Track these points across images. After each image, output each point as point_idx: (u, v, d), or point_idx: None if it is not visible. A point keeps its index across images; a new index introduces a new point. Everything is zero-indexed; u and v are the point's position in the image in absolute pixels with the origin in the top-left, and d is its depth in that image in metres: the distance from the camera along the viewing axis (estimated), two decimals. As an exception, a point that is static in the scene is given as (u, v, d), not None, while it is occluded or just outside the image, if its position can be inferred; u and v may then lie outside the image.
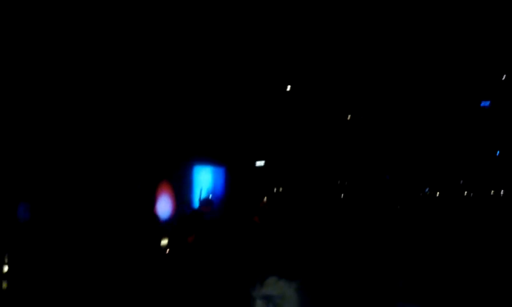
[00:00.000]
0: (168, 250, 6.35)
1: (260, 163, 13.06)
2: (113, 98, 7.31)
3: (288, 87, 13.25)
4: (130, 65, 7.50)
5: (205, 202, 6.40)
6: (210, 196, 6.78)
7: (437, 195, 21.19)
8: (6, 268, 5.23)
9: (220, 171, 9.87)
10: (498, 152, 20.32)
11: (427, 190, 21.02)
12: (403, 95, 17.28)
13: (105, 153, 6.99)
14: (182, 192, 8.12)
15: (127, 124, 7.48)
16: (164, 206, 7.18)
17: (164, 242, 6.92)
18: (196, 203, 7.69)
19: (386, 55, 14.66)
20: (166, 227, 6.84)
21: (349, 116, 17.42)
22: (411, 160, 20.21)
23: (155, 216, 5.70)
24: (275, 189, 15.21)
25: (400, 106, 17.86)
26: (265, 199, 10.45)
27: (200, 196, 6.64)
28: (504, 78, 17.49)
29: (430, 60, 15.54)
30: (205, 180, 8.88)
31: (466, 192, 21.83)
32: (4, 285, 5.19)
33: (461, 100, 18.19)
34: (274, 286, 1.30)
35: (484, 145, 20.09)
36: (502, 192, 21.12)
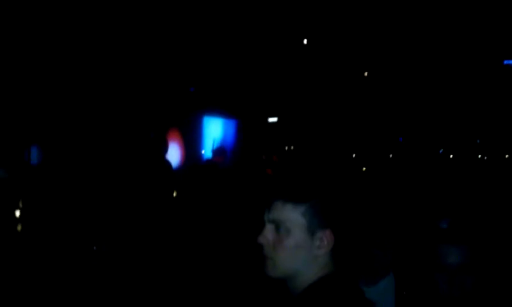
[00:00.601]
0: (180, 200, 6.33)
1: (272, 119, 12.91)
2: (127, 50, 7.13)
3: (305, 41, 12.88)
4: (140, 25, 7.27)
5: (218, 152, 6.31)
6: (223, 146, 6.69)
7: (451, 156, 20.95)
8: (18, 213, 5.25)
9: (231, 123, 9.78)
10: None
11: (441, 151, 20.74)
12: (419, 56, 16.77)
13: (118, 100, 6.88)
14: (192, 142, 8.05)
15: (139, 75, 7.33)
16: (175, 155, 7.13)
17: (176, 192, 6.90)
18: (207, 153, 7.61)
19: (401, 22, 14.10)
20: (178, 176, 6.80)
21: (366, 73, 17.02)
22: (425, 120, 19.89)
23: (168, 164, 5.62)
24: (286, 147, 15.12)
25: (416, 66, 17.37)
26: (276, 156, 10.34)
27: (213, 146, 6.55)
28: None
29: (447, 24, 14.92)
30: (216, 132, 8.79)
31: (480, 155, 21.54)
32: (19, 228, 5.22)
33: (481, 59, 17.56)
34: (281, 210, 1.28)
35: (501, 108, 19.59)
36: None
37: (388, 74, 17.69)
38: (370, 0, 12.85)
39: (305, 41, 13.17)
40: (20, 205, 5.24)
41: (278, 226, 1.28)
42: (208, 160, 6.36)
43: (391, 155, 18.65)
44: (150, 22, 7.43)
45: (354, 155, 17.71)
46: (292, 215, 1.27)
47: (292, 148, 15.31)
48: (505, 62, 17.56)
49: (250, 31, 10.20)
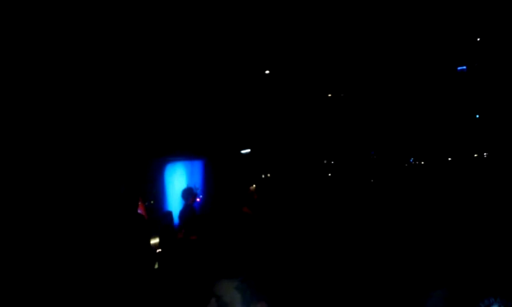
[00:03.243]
0: (159, 248, 6.15)
1: (245, 151, 12.86)
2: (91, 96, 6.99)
3: (267, 72, 13.03)
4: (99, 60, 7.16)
5: (186, 194, 6.19)
6: (193, 187, 6.56)
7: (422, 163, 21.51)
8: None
9: (197, 164, 9.46)
10: (477, 115, 20.63)
11: (411, 160, 21.25)
12: (381, 67, 17.29)
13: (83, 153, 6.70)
14: (160, 189, 7.78)
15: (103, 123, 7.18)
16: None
17: (155, 241, 6.71)
18: (176, 199, 7.40)
19: (363, 29, 14.53)
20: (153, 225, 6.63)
21: (330, 95, 17.36)
22: (393, 132, 20.39)
23: (141, 216, 5.47)
24: (263, 175, 15.07)
25: (375, 79, 17.89)
26: (253, 186, 10.25)
27: (183, 190, 6.42)
28: (478, 40, 17.63)
29: (405, 31, 15.49)
30: (182, 176, 8.49)
31: (450, 158, 22.22)
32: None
33: (437, 67, 18.28)
34: (220, 287, 1.44)
35: (464, 110, 20.34)
36: (485, 155, 21.61)
37: (354, 91, 18.15)
38: (327, 26, 13.20)
39: (267, 72, 13.34)
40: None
41: (218, 300, 1.39)
42: (184, 206, 6.24)
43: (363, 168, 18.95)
44: (107, 66, 7.34)
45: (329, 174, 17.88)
46: (230, 290, 1.37)
47: (268, 175, 15.28)
48: (459, 68, 18.32)
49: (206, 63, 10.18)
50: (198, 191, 6.32)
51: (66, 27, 6.52)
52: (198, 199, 6.37)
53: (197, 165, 8.98)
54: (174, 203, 7.13)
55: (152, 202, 7.66)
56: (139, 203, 5.17)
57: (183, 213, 6.07)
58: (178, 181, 7.73)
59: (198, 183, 8.19)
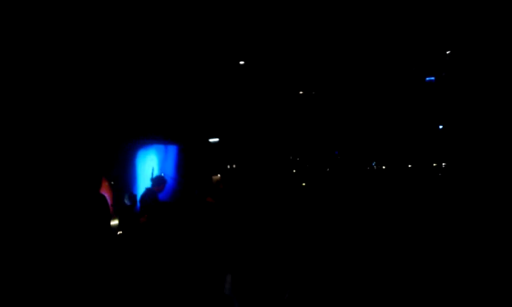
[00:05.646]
0: (119, 232, 6.10)
1: (214, 140, 12.87)
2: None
3: (242, 62, 13.05)
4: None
5: (157, 181, 6.17)
6: (162, 174, 6.53)
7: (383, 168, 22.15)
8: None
9: (171, 149, 9.52)
10: (440, 126, 21.42)
11: (373, 164, 21.83)
12: (349, 71, 17.62)
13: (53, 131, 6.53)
14: (127, 174, 7.74)
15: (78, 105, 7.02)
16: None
17: (114, 222, 6.65)
18: (144, 183, 7.38)
19: (331, 32, 14.73)
20: (116, 208, 6.56)
21: (301, 92, 17.55)
22: (358, 135, 20.89)
23: (103, 198, 5.42)
24: (228, 166, 15.13)
25: (347, 82, 18.23)
26: (219, 176, 10.31)
27: (152, 175, 6.38)
28: (448, 53, 18.23)
29: (373, 37, 15.83)
30: (154, 160, 8.53)
31: (410, 165, 23.01)
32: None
33: (405, 76, 18.84)
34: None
35: (427, 119, 21.07)
36: (443, 165, 22.49)
37: (324, 91, 18.41)
38: (303, 21, 13.30)
39: (242, 62, 13.36)
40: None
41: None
42: (147, 190, 6.20)
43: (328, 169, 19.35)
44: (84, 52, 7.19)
45: (294, 171, 18.13)
46: (226, 286, 1.45)
47: (234, 166, 15.35)
48: (427, 79, 18.91)
49: (182, 51, 10.14)
50: (166, 180, 6.28)
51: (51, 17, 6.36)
52: (163, 188, 6.33)
53: (164, 151, 8.94)
54: (138, 186, 7.09)
55: (112, 183, 7.59)
56: (105, 183, 5.10)
57: (145, 198, 6.04)
58: (143, 164, 7.67)
59: (165, 169, 8.16)
